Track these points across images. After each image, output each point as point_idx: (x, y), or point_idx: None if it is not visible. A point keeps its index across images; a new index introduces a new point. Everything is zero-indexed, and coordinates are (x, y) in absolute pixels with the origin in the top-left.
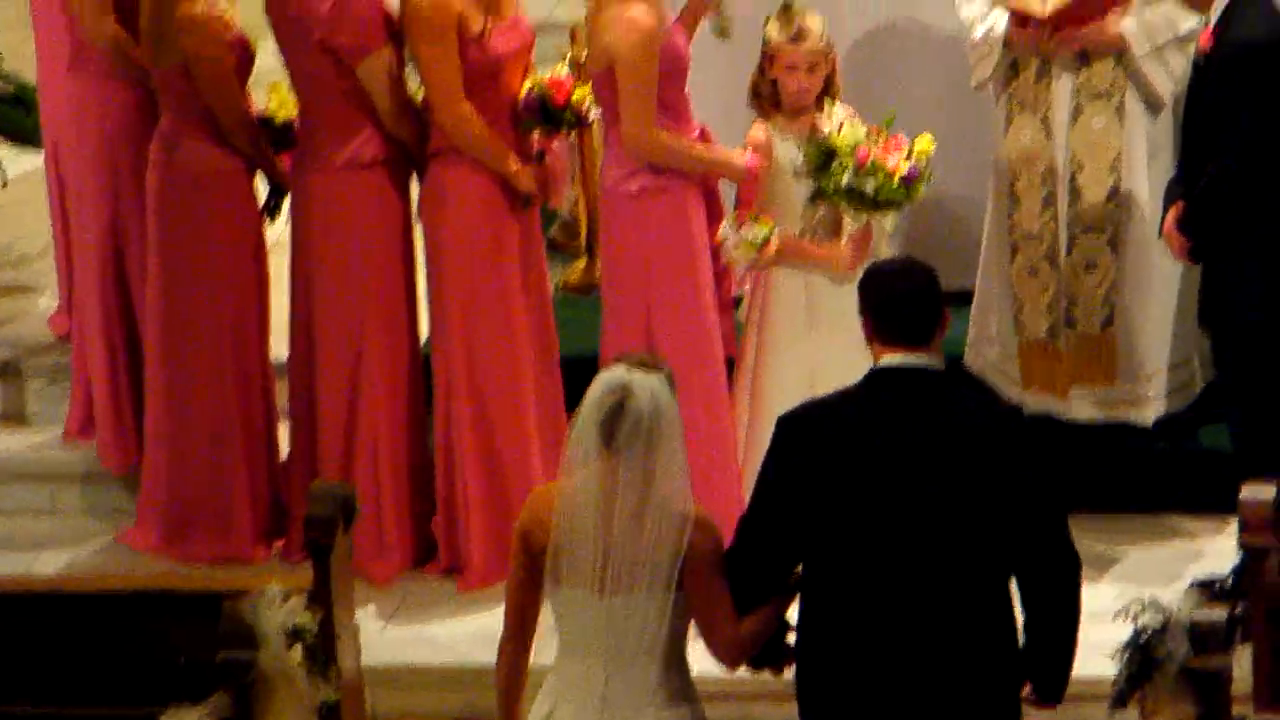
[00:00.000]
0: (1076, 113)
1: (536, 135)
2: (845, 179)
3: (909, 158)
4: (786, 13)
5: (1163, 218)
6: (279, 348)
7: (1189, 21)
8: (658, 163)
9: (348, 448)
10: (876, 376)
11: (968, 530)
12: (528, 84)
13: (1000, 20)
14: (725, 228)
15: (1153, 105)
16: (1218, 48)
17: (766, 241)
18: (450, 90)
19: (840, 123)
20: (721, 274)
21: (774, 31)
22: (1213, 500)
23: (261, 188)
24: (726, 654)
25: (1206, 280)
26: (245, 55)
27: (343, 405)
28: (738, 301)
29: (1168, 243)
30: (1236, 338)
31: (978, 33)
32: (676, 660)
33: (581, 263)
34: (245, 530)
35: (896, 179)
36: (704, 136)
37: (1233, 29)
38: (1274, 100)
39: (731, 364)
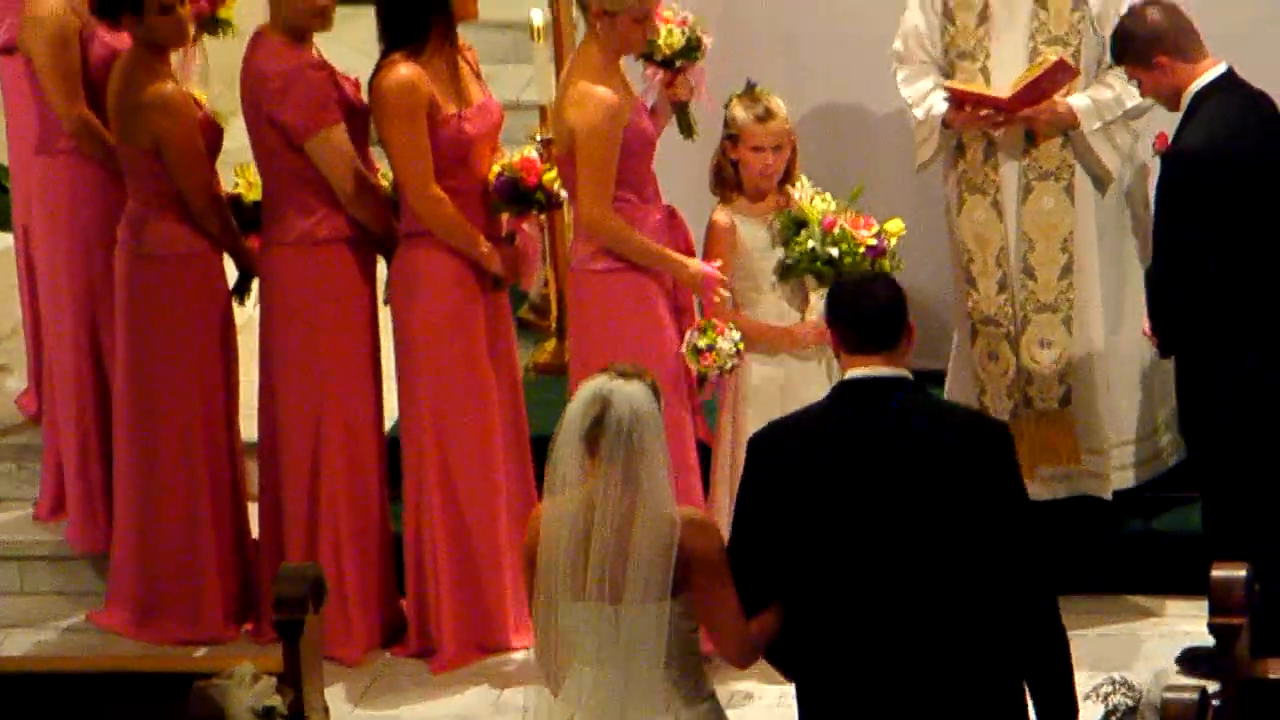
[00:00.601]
0: (1026, 192)
1: (506, 216)
2: (812, 244)
3: (877, 235)
4: (751, 93)
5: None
6: (251, 428)
7: (1135, 99)
8: (609, 246)
9: (311, 528)
10: (844, 388)
11: (939, 539)
12: (497, 165)
13: (938, 102)
14: (689, 338)
15: (1101, 183)
16: (1166, 152)
17: (738, 351)
18: (421, 173)
19: (811, 195)
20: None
21: (739, 112)
22: (1184, 581)
23: (231, 269)
24: (736, 654)
25: (1176, 379)
26: (214, 135)
27: (305, 486)
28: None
29: (1149, 335)
30: (1206, 431)
31: (918, 113)
32: (690, 660)
33: (551, 343)
34: (215, 611)
35: (862, 249)
36: (673, 216)
37: (1180, 136)
38: (1217, 208)
39: (702, 448)
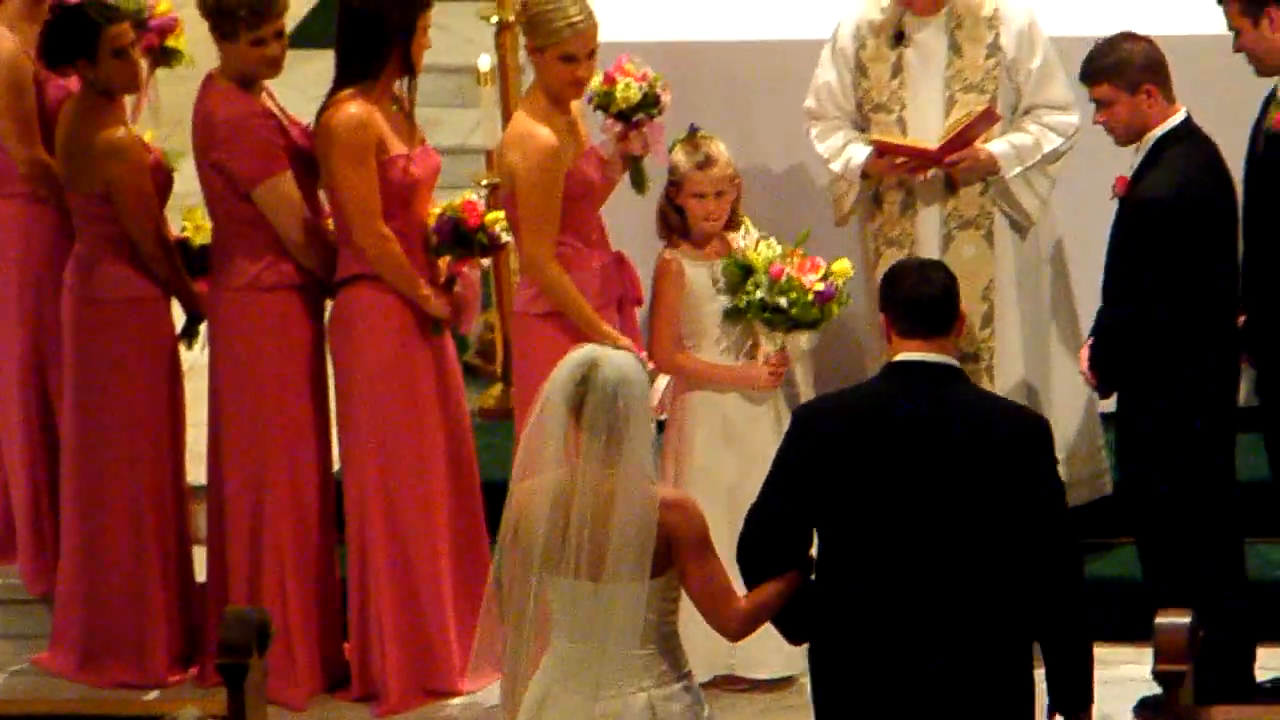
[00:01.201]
0: (947, 242)
1: (447, 260)
2: (760, 294)
3: (825, 279)
4: (693, 139)
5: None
6: (198, 472)
7: (1053, 142)
8: (545, 291)
9: (255, 572)
10: (892, 369)
11: (975, 522)
12: (437, 208)
13: (858, 152)
14: None
15: (1021, 228)
16: (1130, 197)
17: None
18: (369, 212)
19: (756, 240)
20: None
21: (681, 158)
22: (1127, 628)
23: (178, 312)
24: (728, 628)
25: (1118, 422)
26: (163, 179)
27: (248, 530)
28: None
29: (1086, 376)
30: (1145, 478)
31: (835, 167)
32: (668, 639)
33: (497, 388)
34: (160, 655)
35: (811, 296)
36: (620, 263)
37: (1144, 182)
38: (1170, 254)
39: None
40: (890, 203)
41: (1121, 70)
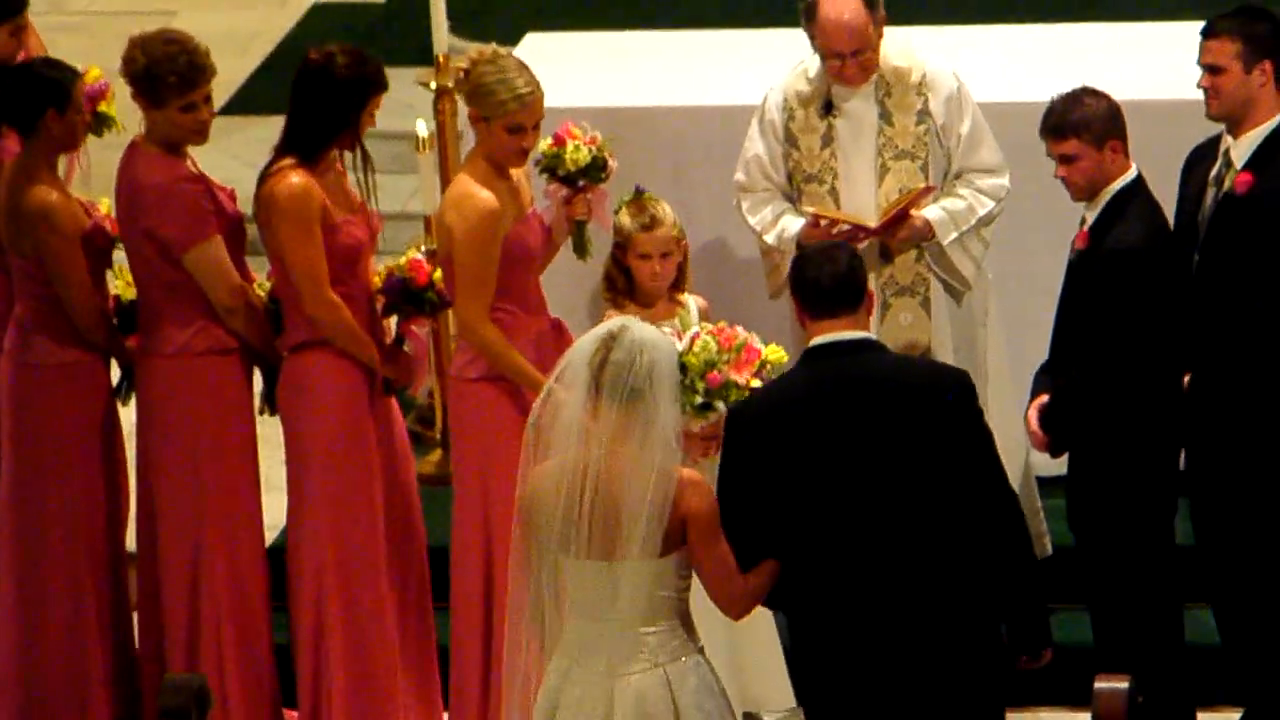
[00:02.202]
0: (884, 309)
1: (394, 321)
2: (699, 400)
3: (759, 373)
4: (638, 201)
5: (1029, 405)
6: (130, 537)
7: (986, 206)
8: (482, 354)
9: (192, 639)
10: (813, 352)
11: (914, 479)
12: (383, 268)
13: (792, 224)
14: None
15: (956, 292)
16: (1094, 248)
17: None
18: (318, 280)
19: (692, 338)
20: None
21: (626, 220)
22: (1067, 691)
23: (114, 371)
24: (731, 607)
25: (1071, 483)
26: (104, 243)
27: (186, 596)
28: None
29: (1029, 435)
30: (1100, 541)
31: (769, 239)
32: (681, 616)
33: (436, 454)
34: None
35: (748, 393)
36: (559, 329)
37: (1112, 233)
38: (1145, 306)
39: None
40: None
41: (1089, 125)
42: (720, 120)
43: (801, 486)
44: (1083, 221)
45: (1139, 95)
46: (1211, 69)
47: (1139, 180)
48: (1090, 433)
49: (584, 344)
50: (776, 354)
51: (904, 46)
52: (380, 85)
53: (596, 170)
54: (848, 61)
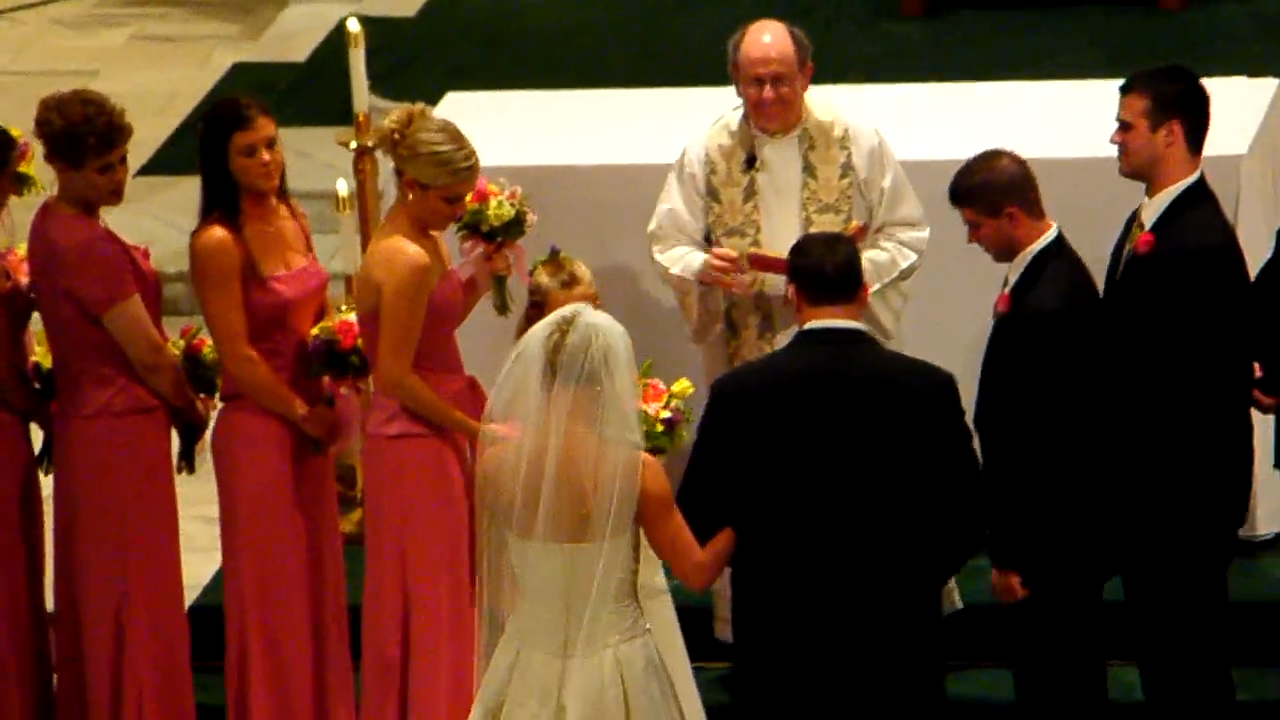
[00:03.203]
0: None
1: (327, 379)
2: None
3: (668, 405)
4: (556, 260)
5: None
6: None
7: (908, 259)
8: (406, 405)
9: (115, 700)
10: (804, 336)
11: (894, 474)
12: (315, 329)
13: (696, 257)
14: None
15: None
16: (1015, 310)
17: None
18: (234, 335)
19: None
20: None
21: (545, 278)
22: None
23: (37, 436)
24: (694, 579)
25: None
26: (24, 303)
27: (109, 657)
28: None
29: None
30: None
31: (675, 270)
32: (630, 596)
33: (357, 513)
34: None
35: (660, 427)
36: (473, 388)
37: (1030, 295)
38: (1063, 368)
39: None
40: (747, 326)
41: (981, 195)
42: (639, 179)
43: (775, 464)
44: (1005, 283)
45: (1063, 153)
46: (1122, 125)
47: (1059, 240)
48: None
49: (538, 330)
50: (682, 386)
51: (826, 102)
52: (234, 122)
53: (517, 225)
54: (766, 89)
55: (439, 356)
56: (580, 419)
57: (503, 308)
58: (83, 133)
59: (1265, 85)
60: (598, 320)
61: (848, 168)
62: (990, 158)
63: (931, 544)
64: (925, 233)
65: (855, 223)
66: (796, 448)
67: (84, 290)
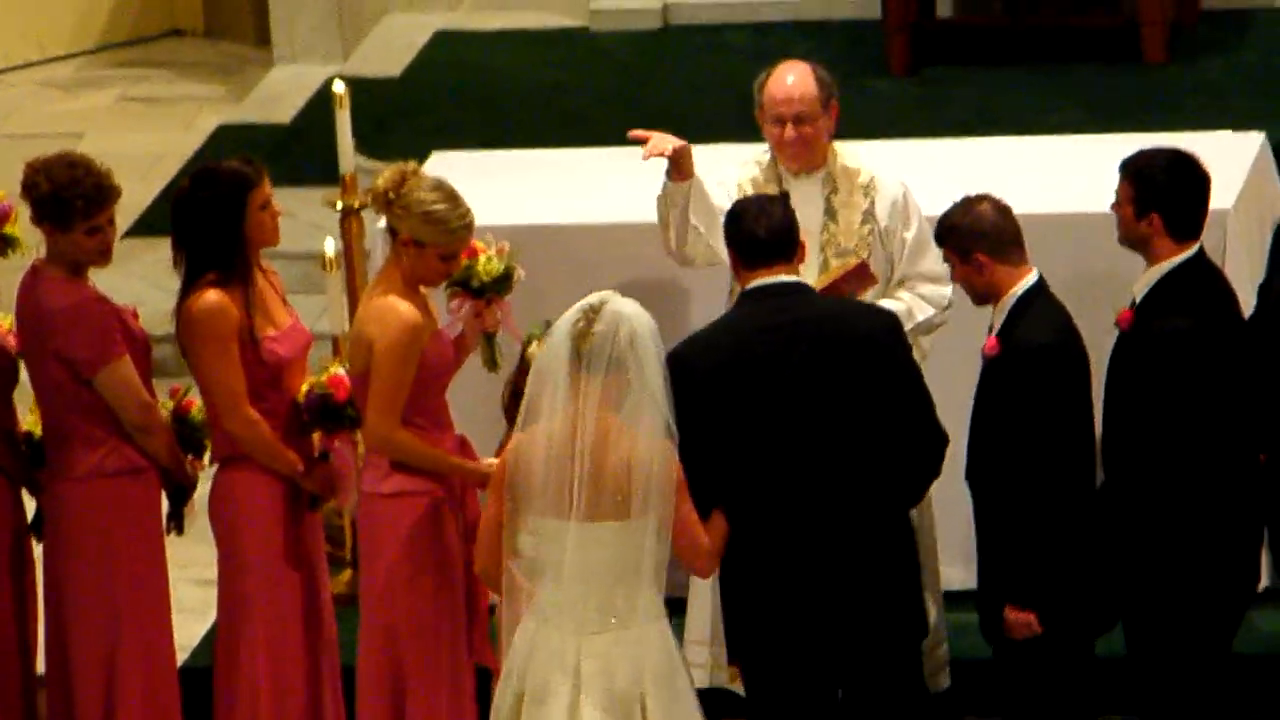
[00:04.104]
0: None
1: (318, 435)
2: None
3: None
4: (550, 329)
5: None
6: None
7: (926, 312)
8: (399, 460)
9: None
10: (749, 294)
11: (851, 413)
12: (305, 385)
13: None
14: None
15: None
16: (1005, 351)
17: None
18: (235, 396)
19: None
20: (476, 580)
21: (536, 348)
22: None
23: (29, 503)
24: (698, 564)
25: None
26: (9, 363)
27: (99, 719)
28: (492, 609)
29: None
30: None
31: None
32: (644, 579)
33: (347, 574)
34: None
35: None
36: (464, 446)
37: (1018, 332)
38: (1056, 402)
39: (487, 673)
40: None
41: (953, 237)
42: (623, 238)
43: (738, 423)
44: (991, 328)
45: (1048, 209)
46: (1116, 199)
47: (1039, 284)
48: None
49: (567, 317)
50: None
51: (854, 152)
52: (251, 181)
53: (506, 281)
54: (789, 129)
55: (430, 415)
56: (609, 405)
57: (492, 364)
58: (70, 195)
59: (1250, 139)
60: (623, 308)
61: (869, 215)
62: (970, 203)
63: (892, 475)
64: (948, 289)
65: (854, 259)
66: (755, 401)
67: (74, 352)
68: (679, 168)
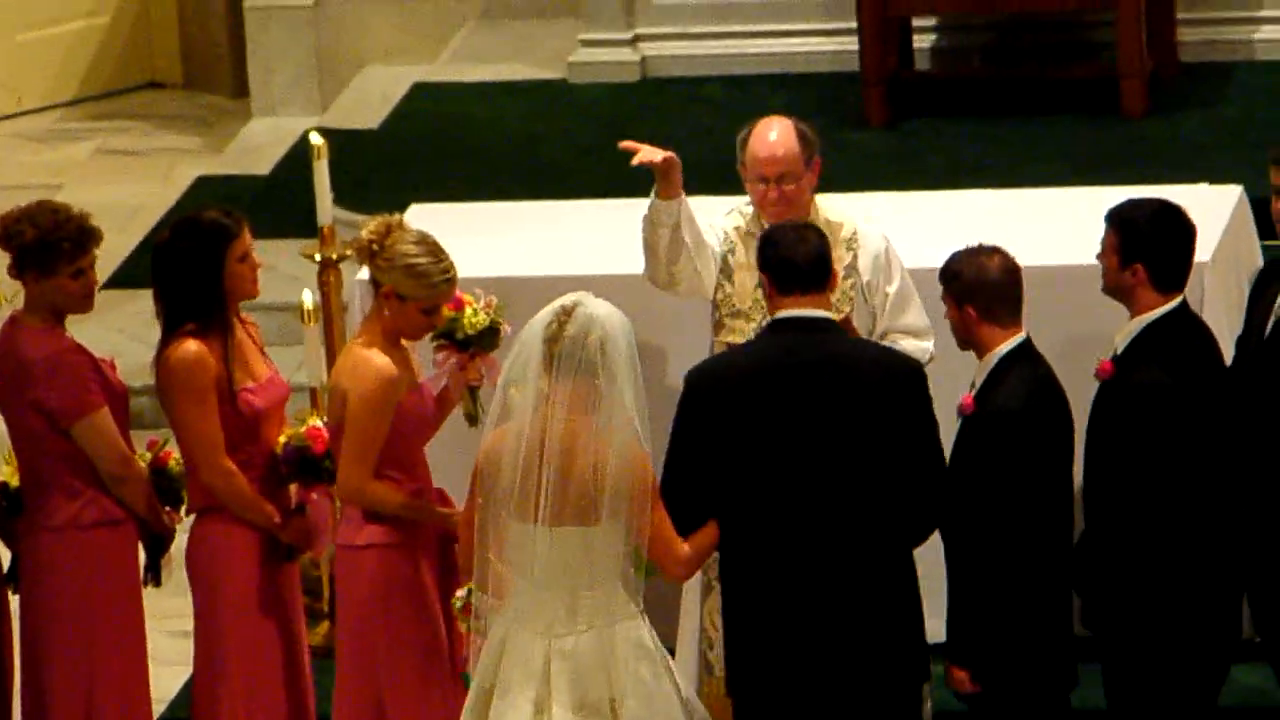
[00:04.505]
0: None
1: (295, 487)
2: None
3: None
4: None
5: None
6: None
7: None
8: (374, 510)
9: None
10: (777, 325)
11: (866, 457)
12: (283, 437)
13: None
14: (458, 595)
15: None
16: (979, 412)
17: (465, 605)
18: (212, 447)
19: None
20: (458, 638)
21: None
22: None
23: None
24: (674, 571)
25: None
26: None
27: None
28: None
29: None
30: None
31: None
32: (618, 581)
33: (324, 626)
34: None
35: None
36: (444, 499)
37: (993, 396)
38: (1027, 470)
39: None
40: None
41: (952, 283)
42: (603, 290)
43: (749, 453)
44: (972, 385)
45: (1027, 261)
46: (1101, 248)
47: (1025, 345)
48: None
49: (540, 317)
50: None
51: (837, 205)
52: (231, 232)
53: (492, 336)
54: (771, 188)
55: (406, 468)
56: (579, 409)
57: (474, 419)
58: (56, 239)
59: (1228, 193)
60: (597, 310)
61: (852, 269)
62: (979, 253)
63: (898, 523)
64: (929, 343)
65: (842, 312)
66: (770, 435)
67: (53, 402)
68: (668, 181)
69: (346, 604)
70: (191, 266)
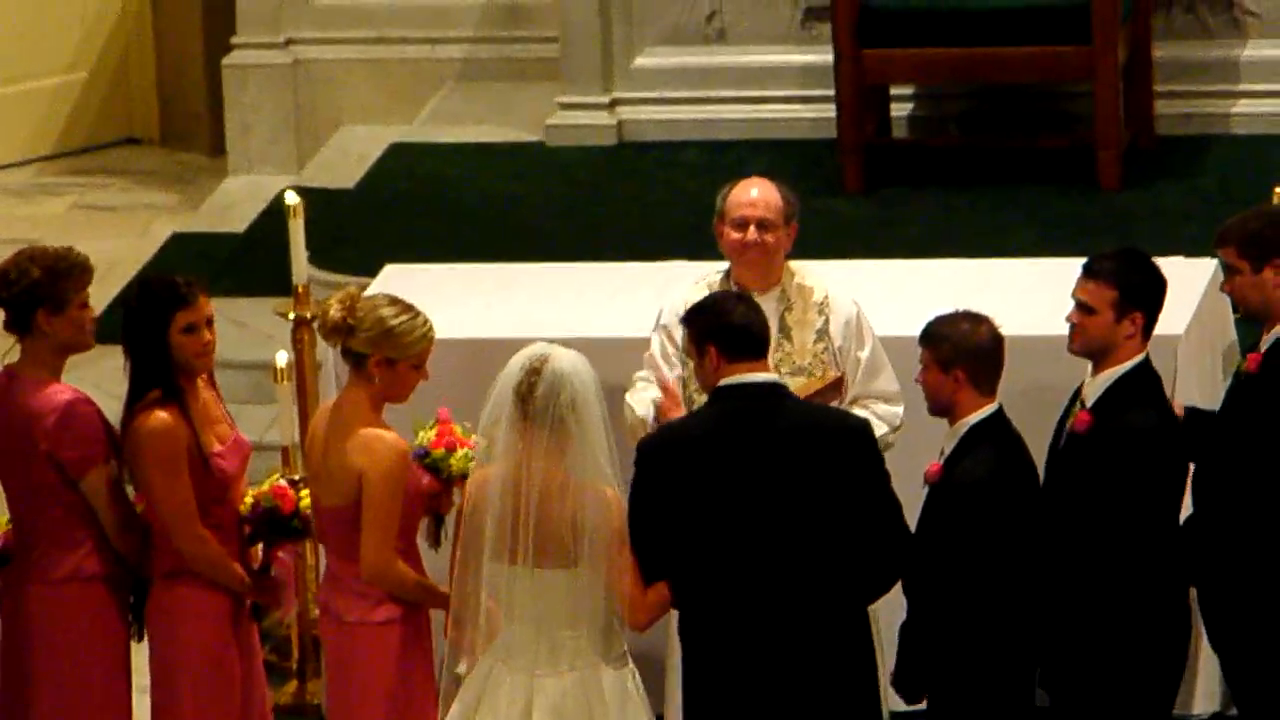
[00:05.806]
0: None
1: (260, 547)
2: None
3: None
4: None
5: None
6: None
7: (879, 430)
8: (394, 593)
9: None
10: (722, 392)
11: (817, 518)
12: (249, 496)
13: (655, 392)
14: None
15: None
16: (945, 480)
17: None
18: (187, 515)
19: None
20: None
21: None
22: None
23: None
24: (637, 619)
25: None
26: None
27: None
28: None
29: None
30: None
31: (638, 410)
32: (600, 623)
33: (292, 685)
34: None
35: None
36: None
37: (959, 467)
38: (992, 540)
39: None
40: None
41: (942, 345)
42: (585, 352)
43: (703, 520)
44: (941, 453)
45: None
46: (1083, 307)
47: (997, 415)
48: (944, 673)
49: (511, 372)
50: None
51: (810, 270)
52: (177, 301)
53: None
54: (751, 231)
55: (408, 537)
56: (553, 458)
57: (436, 542)
58: (64, 268)
59: (1203, 265)
60: (563, 366)
61: (823, 333)
62: (970, 319)
63: (855, 580)
64: (900, 408)
65: (832, 373)
66: (723, 501)
67: (64, 454)
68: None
69: (351, 676)
70: (138, 329)
